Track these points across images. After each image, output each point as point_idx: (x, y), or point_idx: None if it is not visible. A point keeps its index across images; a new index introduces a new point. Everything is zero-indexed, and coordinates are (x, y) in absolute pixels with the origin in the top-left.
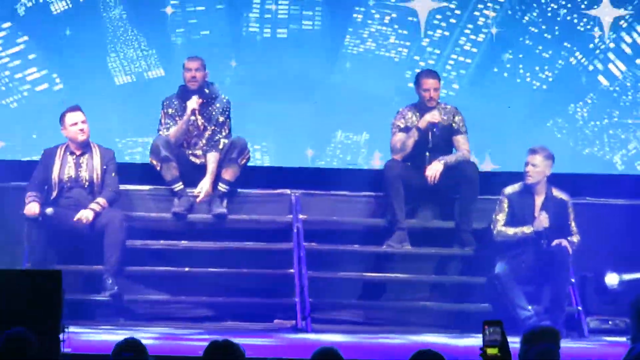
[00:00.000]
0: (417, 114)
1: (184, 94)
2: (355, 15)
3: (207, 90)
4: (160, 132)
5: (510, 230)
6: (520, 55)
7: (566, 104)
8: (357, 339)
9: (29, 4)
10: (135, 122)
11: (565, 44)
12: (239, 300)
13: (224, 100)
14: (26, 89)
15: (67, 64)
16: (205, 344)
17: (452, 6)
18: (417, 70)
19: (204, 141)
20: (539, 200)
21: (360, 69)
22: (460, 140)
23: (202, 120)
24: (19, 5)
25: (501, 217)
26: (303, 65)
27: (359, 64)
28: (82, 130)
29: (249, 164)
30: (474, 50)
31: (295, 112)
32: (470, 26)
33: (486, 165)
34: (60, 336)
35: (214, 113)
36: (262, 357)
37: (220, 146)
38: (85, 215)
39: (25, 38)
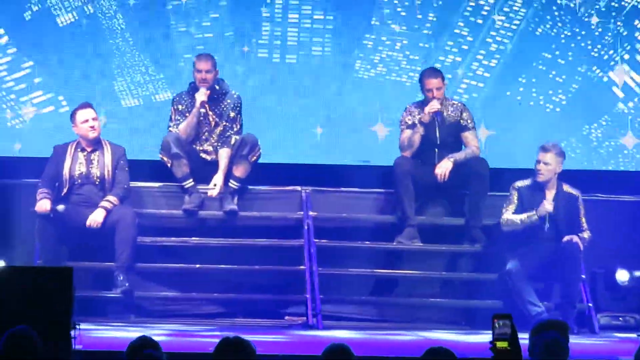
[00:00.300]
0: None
1: (195, 90)
2: (365, 42)
3: (217, 87)
4: (171, 129)
5: (516, 218)
6: (534, 80)
7: (580, 125)
8: (367, 336)
9: (32, 14)
10: (141, 143)
11: (580, 68)
12: (249, 297)
13: (235, 96)
14: (32, 111)
15: (73, 87)
16: (216, 340)
17: (464, 33)
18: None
19: (215, 137)
20: (549, 195)
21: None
22: (468, 136)
23: (214, 116)
24: (28, 12)
25: (510, 208)
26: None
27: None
28: (92, 127)
29: (260, 160)
30: (487, 74)
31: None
32: (482, 52)
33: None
34: (72, 333)
35: (225, 109)
36: (273, 354)
37: (232, 142)
38: (95, 219)
39: (31, 63)
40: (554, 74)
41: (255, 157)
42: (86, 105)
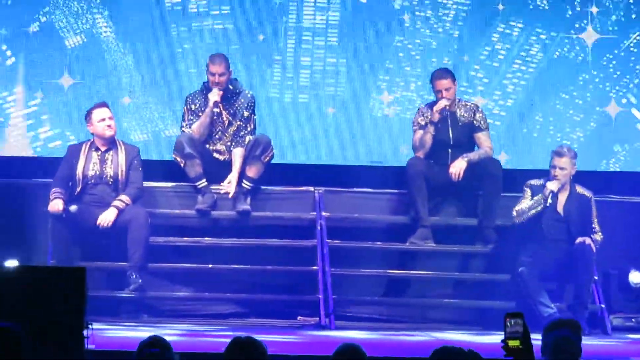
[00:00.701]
0: None
1: (208, 90)
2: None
3: (231, 87)
4: (184, 129)
5: (525, 204)
6: (551, 118)
7: (598, 160)
8: (380, 336)
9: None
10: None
11: (598, 108)
12: (262, 297)
13: (249, 96)
14: (39, 145)
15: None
16: (229, 340)
17: (480, 75)
18: None
19: (228, 137)
20: (562, 197)
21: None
22: (481, 137)
23: (227, 115)
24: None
25: (523, 203)
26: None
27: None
28: (109, 126)
29: (272, 161)
30: (503, 113)
31: None
32: (498, 92)
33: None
34: (84, 332)
35: (238, 108)
36: (286, 354)
37: (246, 141)
38: (106, 218)
39: (38, 100)
40: (571, 113)
41: (268, 158)
42: (102, 104)
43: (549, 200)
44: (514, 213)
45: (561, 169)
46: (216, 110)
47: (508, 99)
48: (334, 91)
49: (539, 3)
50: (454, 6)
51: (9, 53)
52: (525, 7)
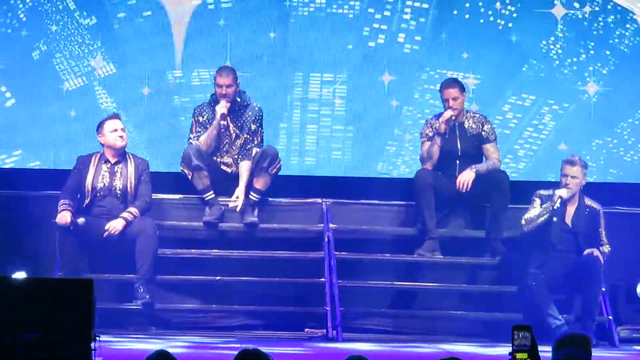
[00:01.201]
0: None
1: (216, 102)
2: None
3: (238, 99)
4: (191, 141)
5: (534, 213)
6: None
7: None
8: (387, 348)
9: None
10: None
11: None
12: (270, 309)
13: (256, 108)
14: None
15: None
16: (236, 353)
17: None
18: None
19: (235, 149)
20: (571, 208)
21: None
22: (490, 148)
23: (234, 128)
24: None
25: (532, 212)
26: None
27: None
28: (121, 137)
29: (280, 173)
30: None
31: None
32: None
33: None
34: (92, 345)
35: (246, 121)
36: None
37: (253, 154)
38: (113, 226)
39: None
40: None
41: (275, 170)
42: (115, 116)
43: (557, 205)
44: (523, 221)
45: (573, 177)
46: (223, 122)
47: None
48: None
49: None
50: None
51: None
52: None
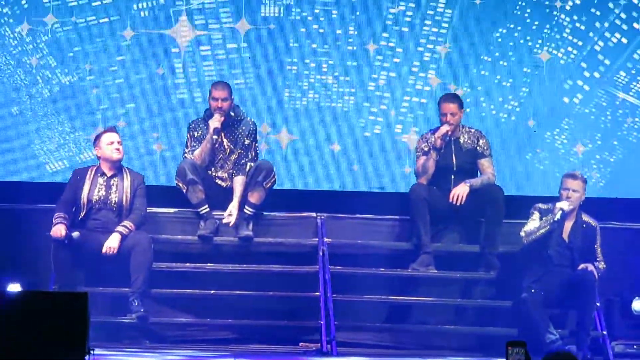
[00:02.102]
0: None
1: (210, 117)
2: None
3: (232, 114)
4: (186, 155)
5: (534, 225)
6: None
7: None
8: None
9: None
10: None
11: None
12: (264, 323)
13: (250, 123)
14: None
15: None
16: None
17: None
18: None
19: (230, 164)
20: (568, 224)
21: None
22: (484, 163)
23: (228, 143)
24: None
25: (530, 225)
26: None
27: None
28: (117, 149)
29: (275, 187)
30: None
31: None
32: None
33: None
34: (86, 358)
35: (240, 136)
36: None
37: (247, 169)
38: (110, 246)
39: None
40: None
41: (270, 184)
42: (112, 129)
43: (557, 217)
44: (522, 234)
45: (574, 191)
46: (215, 137)
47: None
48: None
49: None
50: None
51: None
52: None
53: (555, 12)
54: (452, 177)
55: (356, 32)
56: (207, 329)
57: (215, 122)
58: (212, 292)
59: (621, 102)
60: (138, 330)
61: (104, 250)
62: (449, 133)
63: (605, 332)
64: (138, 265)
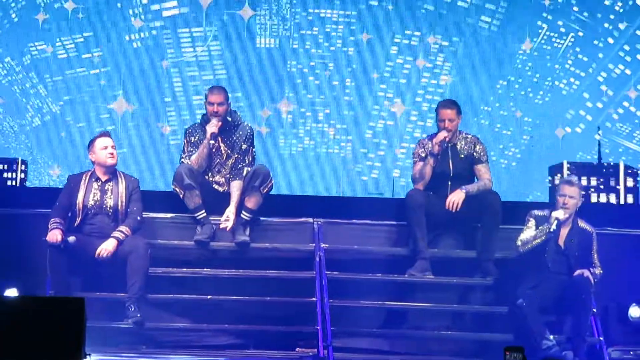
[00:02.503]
0: None
1: (207, 122)
2: None
3: (229, 119)
4: (183, 160)
5: (530, 234)
6: None
7: None
8: None
9: None
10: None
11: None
12: (261, 328)
13: (247, 128)
14: None
15: None
16: None
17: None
18: None
19: (227, 169)
20: (564, 230)
21: None
22: (481, 169)
23: (225, 148)
24: None
25: (526, 233)
26: None
27: None
28: (111, 154)
29: (271, 192)
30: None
31: None
32: None
33: None
34: None
35: (237, 141)
36: None
37: (244, 174)
38: (105, 248)
39: None
40: None
41: (267, 189)
42: (106, 133)
43: (553, 227)
44: (518, 242)
45: (571, 197)
46: (213, 143)
47: None
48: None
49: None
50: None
51: None
52: None
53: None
54: (449, 183)
55: (353, 84)
56: (204, 334)
57: (212, 127)
58: (209, 297)
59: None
60: (134, 336)
61: (98, 252)
62: (447, 139)
63: (601, 338)
64: (135, 270)
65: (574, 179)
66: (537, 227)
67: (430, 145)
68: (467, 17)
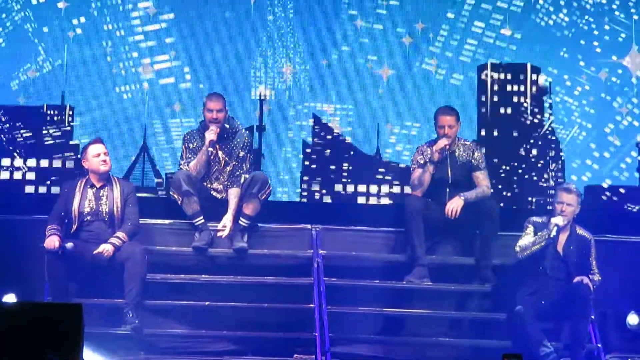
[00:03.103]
0: None
1: (205, 129)
2: None
3: (227, 125)
4: (181, 166)
5: (529, 240)
6: None
7: None
8: None
9: None
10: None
11: None
12: (259, 334)
13: (245, 135)
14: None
15: None
16: None
17: None
18: None
19: (225, 176)
20: (563, 237)
21: None
22: (479, 176)
23: (223, 155)
24: None
25: (525, 239)
26: None
27: None
28: (104, 161)
29: (270, 198)
30: None
31: None
32: None
33: None
34: None
35: (234, 148)
36: None
37: (242, 181)
38: (106, 248)
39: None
40: None
41: (265, 195)
42: (97, 140)
43: (553, 233)
44: (517, 249)
45: (568, 205)
46: (211, 150)
47: None
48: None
49: None
50: None
51: None
52: None
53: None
54: (447, 190)
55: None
56: (202, 340)
57: (211, 134)
58: (207, 303)
59: None
60: (132, 342)
61: (100, 249)
62: (447, 147)
63: (600, 345)
64: (132, 276)
65: (572, 186)
66: (535, 234)
67: (429, 152)
68: None
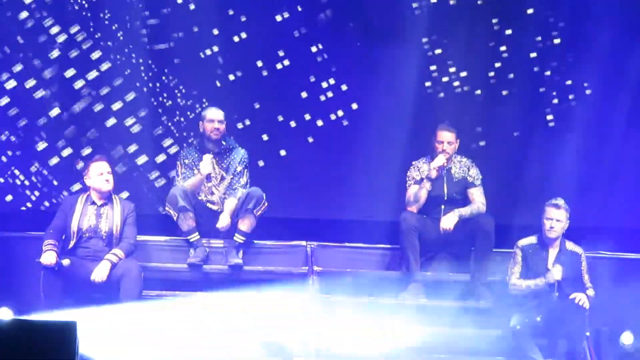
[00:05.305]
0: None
1: (202, 145)
2: None
3: (224, 142)
4: (177, 182)
5: (524, 284)
6: None
7: None
8: None
9: None
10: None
11: None
12: (254, 350)
13: (242, 152)
14: None
15: None
16: None
17: None
18: None
19: (222, 189)
20: (553, 253)
21: None
22: (474, 192)
23: (221, 171)
24: None
25: (516, 270)
26: None
27: None
28: (107, 180)
29: (265, 215)
30: None
31: None
32: None
33: None
34: None
35: (232, 163)
36: None
37: (239, 194)
38: (99, 275)
39: None
40: None
41: (260, 212)
42: (101, 158)
43: (556, 293)
44: (510, 285)
45: (558, 220)
46: (208, 184)
47: None
48: None
49: None
50: None
51: None
52: None
53: None
54: (443, 206)
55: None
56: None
57: (207, 167)
58: (202, 319)
59: None
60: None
61: (92, 277)
62: (445, 165)
63: None
64: (128, 293)
65: (561, 202)
66: (524, 260)
67: (425, 169)
68: None
